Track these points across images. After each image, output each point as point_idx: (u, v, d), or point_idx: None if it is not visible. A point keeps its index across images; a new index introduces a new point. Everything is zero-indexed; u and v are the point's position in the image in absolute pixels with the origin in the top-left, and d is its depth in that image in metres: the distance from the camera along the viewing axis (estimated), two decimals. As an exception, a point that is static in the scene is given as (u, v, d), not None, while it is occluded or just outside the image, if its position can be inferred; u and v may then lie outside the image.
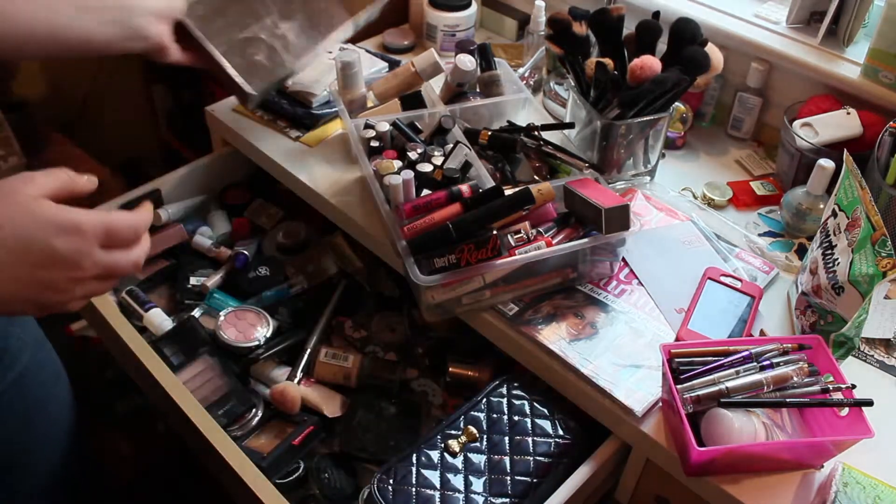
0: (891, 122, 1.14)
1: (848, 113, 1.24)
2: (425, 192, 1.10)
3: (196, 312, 1.28)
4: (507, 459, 0.99)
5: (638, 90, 1.16)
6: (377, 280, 1.42)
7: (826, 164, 1.16)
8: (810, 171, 1.19)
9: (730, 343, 0.94)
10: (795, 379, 0.89)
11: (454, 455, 0.99)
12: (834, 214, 1.02)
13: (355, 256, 1.40)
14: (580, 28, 1.25)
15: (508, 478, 0.97)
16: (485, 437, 1.02)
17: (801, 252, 1.21)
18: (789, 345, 0.92)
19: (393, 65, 1.48)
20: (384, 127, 1.21)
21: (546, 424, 1.03)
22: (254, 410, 1.17)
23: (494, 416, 1.04)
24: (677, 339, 1.04)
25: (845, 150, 1.04)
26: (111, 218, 0.68)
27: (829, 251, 1.00)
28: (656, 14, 1.25)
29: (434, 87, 1.36)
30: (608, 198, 1.04)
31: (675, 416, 0.88)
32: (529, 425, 1.03)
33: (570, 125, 1.28)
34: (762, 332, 1.07)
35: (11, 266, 0.63)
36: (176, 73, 2.19)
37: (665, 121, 1.23)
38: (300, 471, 1.13)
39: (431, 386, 1.28)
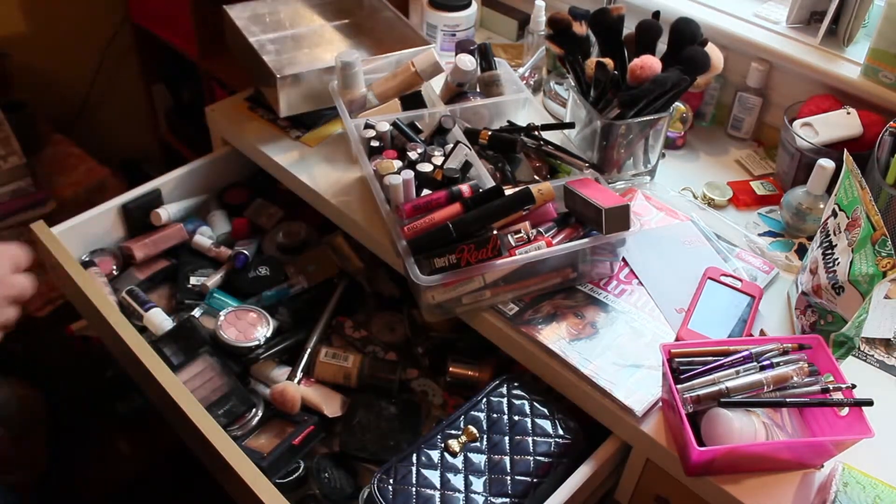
0: (891, 122, 1.14)
1: (848, 113, 1.24)
2: (425, 192, 1.10)
3: (196, 312, 1.28)
4: (507, 459, 0.99)
5: (638, 90, 1.16)
6: (377, 280, 1.42)
7: (826, 163, 1.16)
8: (810, 170, 1.19)
9: (730, 343, 0.94)
10: (795, 379, 0.89)
11: (454, 455, 0.99)
12: (834, 214, 1.02)
13: (355, 256, 1.40)
14: (580, 28, 1.25)
15: (508, 477, 0.97)
16: (485, 436, 1.02)
17: (801, 252, 1.21)
18: (789, 345, 0.92)
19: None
20: (384, 127, 1.21)
21: (546, 424, 1.03)
22: (254, 410, 1.17)
23: (494, 415, 1.04)
24: (677, 339, 1.04)
25: (845, 150, 1.04)
26: (15, 248, 0.85)
27: (829, 251, 1.00)
28: (656, 14, 1.25)
29: (434, 87, 1.36)
30: (608, 198, 1.04)
31: (675, 416, 0.88)
32: (529, 425, 1.03)
33: (570, 125, 1.28)
34: (762, 332, 1.07)
35: None
36: (176, 73, 2.20)
37: (665, 121, 1.23)
38: (300, 471, 1.13)
39: (431, 386, 1.28)
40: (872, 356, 1.06)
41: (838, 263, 0.97)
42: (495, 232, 1.01)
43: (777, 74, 1.37)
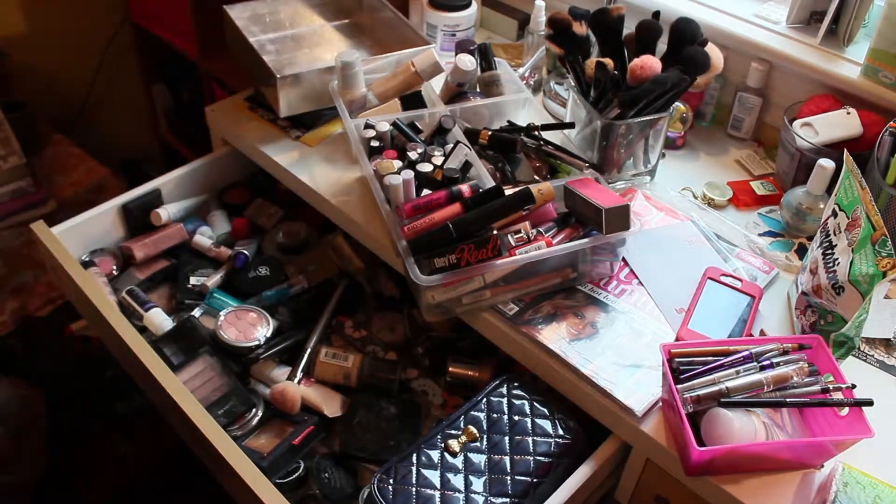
0: (891, 122, 1.14)
1: (848, 113, 1.24)
2: (425, 192, 1.10)
3: (196, 312, 1.28)
4: (507, 459, 0.99)
5: (638, 90, 1.16)
6: (377, 280, 1.42)
7: (826, 163, 1.16)
8: (810, 170, 1.19)
9: (730, 343, 0.94)
10: (795, 379, 0.89)
11: (454, 455, 0.99)
12: (834, 214, 1.02)
13: (355, 256, 1.40)
14: (580, 28, 1.25)
15: (508, 477, 0.97)
16: (485, 436, 1.02)
17: (801, 252, 1.21)
18: (789, 345, 0.92)
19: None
20: (384, 127, 1.21)
21: (546, 424, 1.03)
22: (254, 410, 1.17)
23: (494, 415, 1.04)
24: (677, 339, 1.04)
25: (845, 150, 1.04)
26: None
27: (829, 251, 1.00)
28: (656, 14, 1.25)
29: (434, 87, 1.36)
30: (608, 198, 1.04)
31: (675, 415, 0.88)
32: (529, 425, 1.03)
33: (570, 125, 1.28)
34: (762, 332, 1.07)
35: None
36: (176, 73, 2.20)
37: (665, 121, 1.23)
38: (300, 471, 1.13)
39: (431, 386, 1.28)
40: (872, 356, 1.06)
41: (838, 263, 0.97)
42: (495, 232, 1.01)
43: (777, 74, 1.37)
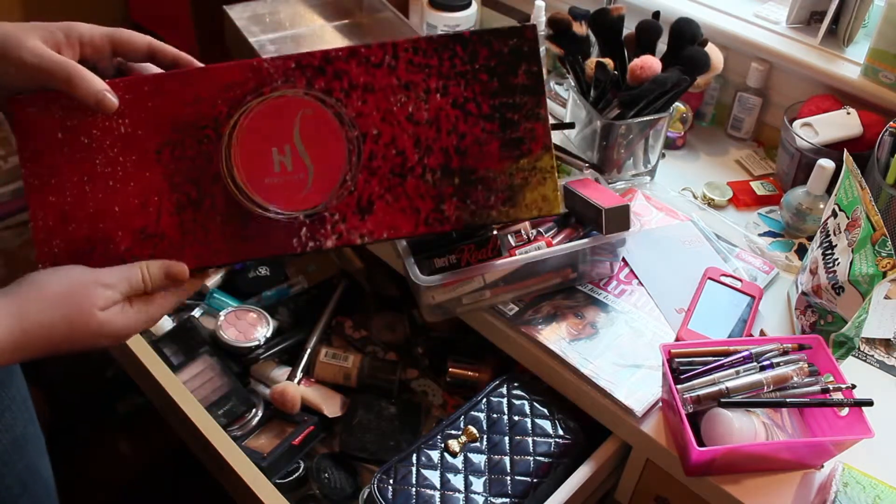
0: (891, 122, 1.14)
1: (848, 113, 1.24)
2: (425, 192, 1.10)
3: (196, 312, 1.28)
4: (507, 459, 0.99)
5: (638, 90, 1.16)
6: (377, 280, 1.42)
7: (826, 164, 1.16)
8: (810, 171, 1.19)
9: (730, 343, 0.94)
10: (795, 379, 0.89)
11: (454, 455, 0.99)
12: (834, 214, 1.02)
13: (355, 256, 1.40)
14: (580, 28, 1.25)
15: (508, 478, 0.97)
16: (485, 437, 1.02)
17: (801, 252, 1.21)
18: (789, 345, 0.92)
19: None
20: (384, 127, 1.21)
21: (546, 424, 1.03)
22: (254, 410, 1.17)
23: (494, 416, 1.04)
24: (677, 339, 1.04)
25: (845, 150, 1.04)
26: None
27: (829, 251, 1.00)
28: (656, 14, 1.25)
29: (434, 87, 1.35)
30: (608, 198, 1.04)
31: (675, 416, 0.88)
32: (529, 425, 1.03)
33: (571, 125, 1.28)
34: (762, 332, 1.07)
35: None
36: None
37: (665, 121, 1.23)
38: (300, 471, 1.13)
39: (431, 386, 1.28)
40: (872, 356, 1.06)
41: (838, 263, 0.97)
42: (495, 232, 1.01)
43: (777, 74, 1.37)
